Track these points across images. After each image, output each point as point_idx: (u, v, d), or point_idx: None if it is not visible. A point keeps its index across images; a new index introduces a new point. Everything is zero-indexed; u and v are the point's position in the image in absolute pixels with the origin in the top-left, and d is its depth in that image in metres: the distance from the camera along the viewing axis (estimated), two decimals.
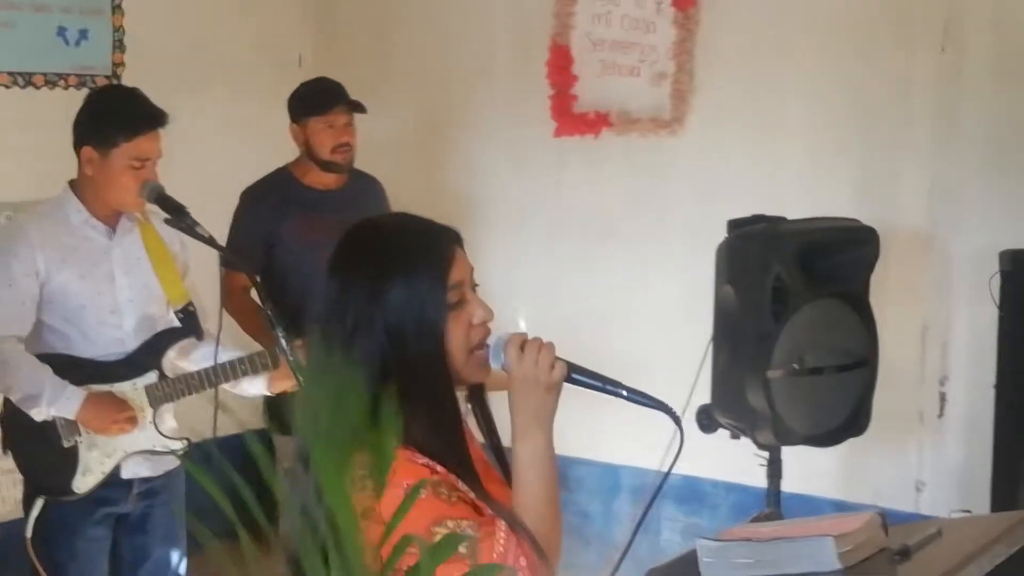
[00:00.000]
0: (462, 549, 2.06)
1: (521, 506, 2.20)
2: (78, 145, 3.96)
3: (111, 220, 4.04)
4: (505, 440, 2.37)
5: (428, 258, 2.25)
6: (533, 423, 2.22)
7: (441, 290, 2.22)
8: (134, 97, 4.05)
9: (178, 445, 4.11)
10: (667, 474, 2.32)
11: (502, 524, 2.14)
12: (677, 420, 2.26)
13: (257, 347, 4.28)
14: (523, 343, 2.24)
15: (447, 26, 6.42)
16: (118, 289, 4.02)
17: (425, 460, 2.19)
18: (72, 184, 4.03)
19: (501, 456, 2.39)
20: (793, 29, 5.47)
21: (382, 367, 2.16)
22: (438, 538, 2.08)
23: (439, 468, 2.19)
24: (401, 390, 2.12)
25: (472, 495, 2.20)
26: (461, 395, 2.34)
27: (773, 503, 4.62)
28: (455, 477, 2.21)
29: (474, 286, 2.30)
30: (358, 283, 2.25)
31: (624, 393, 2.26)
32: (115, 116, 3.94)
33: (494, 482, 2.34)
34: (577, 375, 2.25)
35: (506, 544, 2.13)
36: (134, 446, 4.02)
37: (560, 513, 2.24)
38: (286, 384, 4.04)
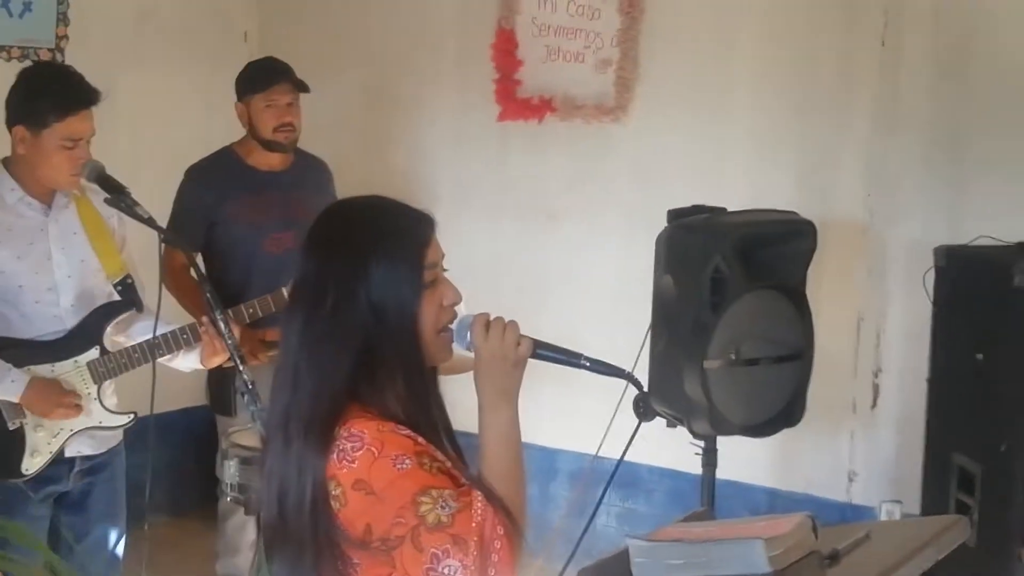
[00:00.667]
0: (444, 519, 2.17)
1: (492, 476, 2.28)
2: (10, 124, 3.92)
3: (46, 197, 4.00)
4: (459, 423, 2.45)
5: (408, 238, 2.33)
6: (500, 397, 2.32)
7: (419, 268, 2.31)
8: (66, 76, 3.99)
9: (124, 420, 4.11)
10: (625, 450, 2.47)
11: (478, 494, 2.21)
12: (638, 384, 2.42)
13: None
14: (487, 322, 2.33)
15: (394, 6, 6.40)
16: (55, 266, 3.99)
17: (408, 431, 2.27)
18: (5, 162, 3.99)
19: (451, 436, 2.46)
20: (737, 19, 5.50)
21: (364, 341, 2.27)
22: (423, 507, 2.18)
23: (420, 439, 2.28)
24: (383, 362, 2.27)
25: (449, 465, 2.28)
26: None
27: (708, 491, 4.67)
28: (433, 447, 2.29)
29: (444, 270, 2.39)
30: (340, 260, 2.31)
31: (587, 364, 2.38)
32: (46, 95, 3.88)
33: (451, 460, 2.39)
34: (542, 350, 2.36)
35: (483, 513, 2.19)
36: (79, 424, 4.00)
37: (525, 481, 2.35)
38: (219, 359, 4.03)
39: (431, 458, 2.26)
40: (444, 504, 2.18)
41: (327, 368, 2.28)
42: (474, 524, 2.18)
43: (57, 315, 3.99)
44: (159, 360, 4.03)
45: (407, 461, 2.21)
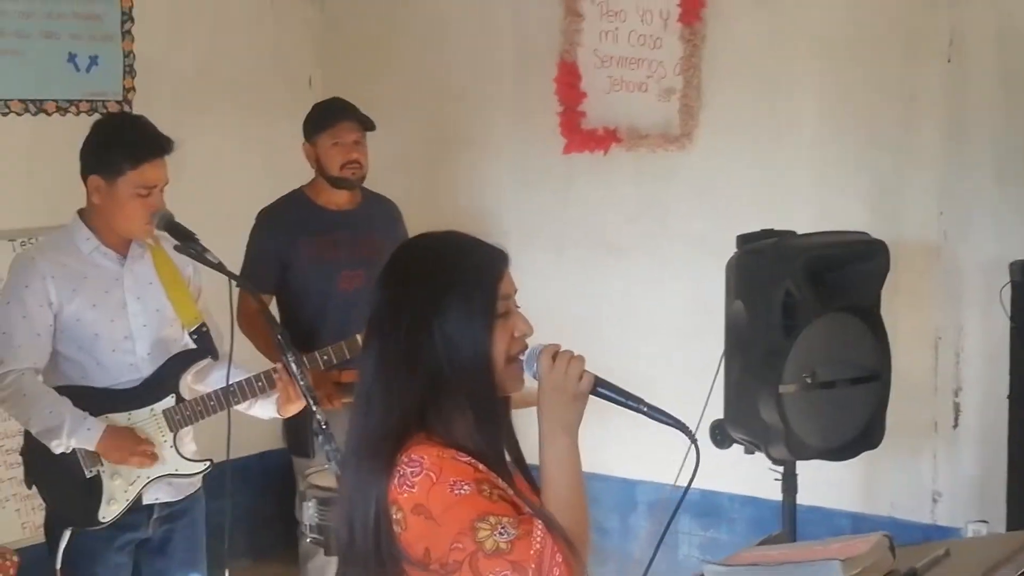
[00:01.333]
0: (502, 545, 2.19)
1: (552, 505, 2.30)
2: (85, 174, 3.97)
3: (121, 247, 4.04)
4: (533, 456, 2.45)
5: (484, 269, 2.38)
6: (559, 428, 2.34)
7: (493, 300, 2.36)
8: (139, 125, 4.06)
9: (200, 467, 4.13)
10: (684, 493, 2.43)
11: (539, 523, 2.24)
12: (694, 439, 2.37)
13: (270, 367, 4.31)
14: (555, 354, 2.36)
15: (455, 44, 6.43)
16: (131, 315, 4.02)
17: (468, 459, 2.30)
18: (81, 213, 4.05)
19: (524, 467, 2.50)
20: (799, 43, 5.46)
21: (436, 370, 2.32)
22: (481, 533, 2.21)
23: (481, 467, 2.31)
24: (452, 391, 2.30)
25: (511, 493, 2.31)
26: None
27: (788, 517, 4.62)
28: (495, 476, 2.32)
29: (516, 305, 2.43)
30: (415, 292, 2.36)
31: (645, 409, 2.36)
32: (120, 145, 3.94)
33: (524, 490, 2.43)
34: (603, 388, 2.36)
35: (543, 541, 2.21)
36: (157, 472, 4.03)
37: (587, 511, 2.34)
38: (295, 407, 4.05)
39: (491, 485, 2.28)
40: (503, 531, 2.21)
41: (396, 396, 2.33)
42: (533, 552, 2.20)
43: (133, 363, 4.02)
44: (236, 408, 4.05)
45: (466, 487, 2.25)
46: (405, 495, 2.26)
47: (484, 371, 2.34)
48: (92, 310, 3.97)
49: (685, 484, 2.44)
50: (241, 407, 4.07)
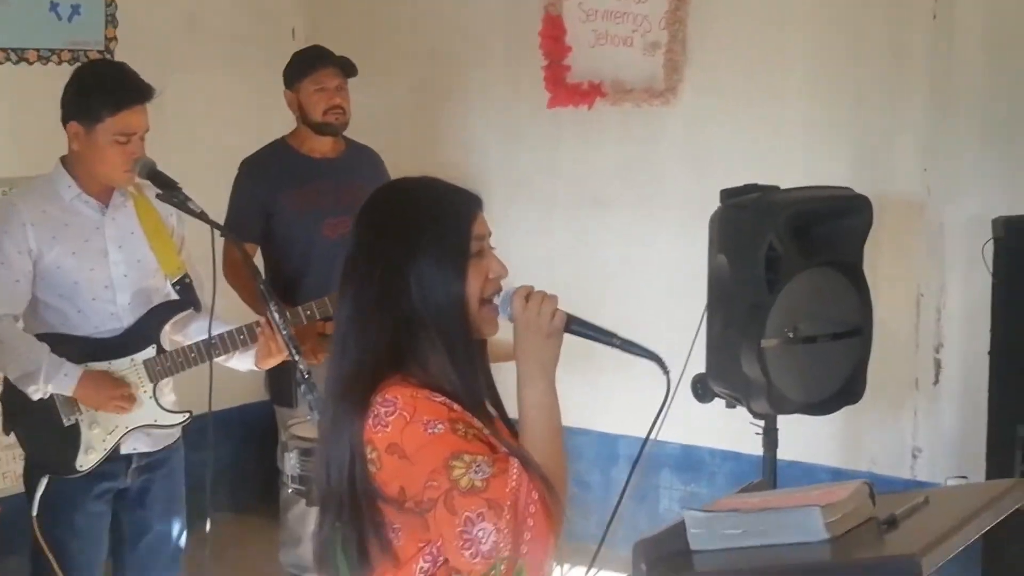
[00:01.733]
0: (478, 483, 2.21)
1: (529, 445, 2.33)
2: (65, 120, 3.95)
3: (103, 195, 4.02)
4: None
5: (455, 210, 2.41)
6: (536, 368, 2.36)
7: (466, 240, 2.37)
8: (119, 71, 4.04)
9: (180, 418, 4.12)
10: (655, 422, 2.42)
11: (515, 461, 2.25)
12: (666, 370, 2.38)
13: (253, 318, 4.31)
14: (528, 294, 2.38)
15: None
16: (112, 264, 4.01)
17: (443, 399, 2.32)
18: (63, 160, 4.02)
19: (503, 412, 2.52)
20: None
21: (410, 311, 2.34)
22: (455, 471, 2.22)
23: (455, 407, 2.32)
24: (426, 332, 2.32)
25: (487, 433, 2.33)
26: None
27: (769, 472, 4.64)
28: (471, 416, 2.33)
29: (491, 248, 2.44)
30: (387, 235, 2.39)
31: (618, 343, 2.38)
32: (99, 91, 3.91)
33: (503, 431, 2.45)
34: (575, 325, 2.38)
35: (519, 479, 2.23)
36: (135, 421, 4.02)
37: (564, 451, 2.36)
38: (274, 361, 4.04)
39: (466, 425, 2.30)
40: (478, 469, 2.23)
41: (371, 338, 2.35)
42: (508, 489, 2.22)
43: (114, 313, 4.01)
44: (215, 359, 4.05)
45: (439, 426, 2.27)
46: (379, 434, 2.28)
47: (458, 312, 2.36)
48: (72, 257, 3.95)
49: (660, 428, 2.45)
50: (219, 359, 4.06)
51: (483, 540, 2.20)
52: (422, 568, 2.31)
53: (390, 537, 2.32)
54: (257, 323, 4.01)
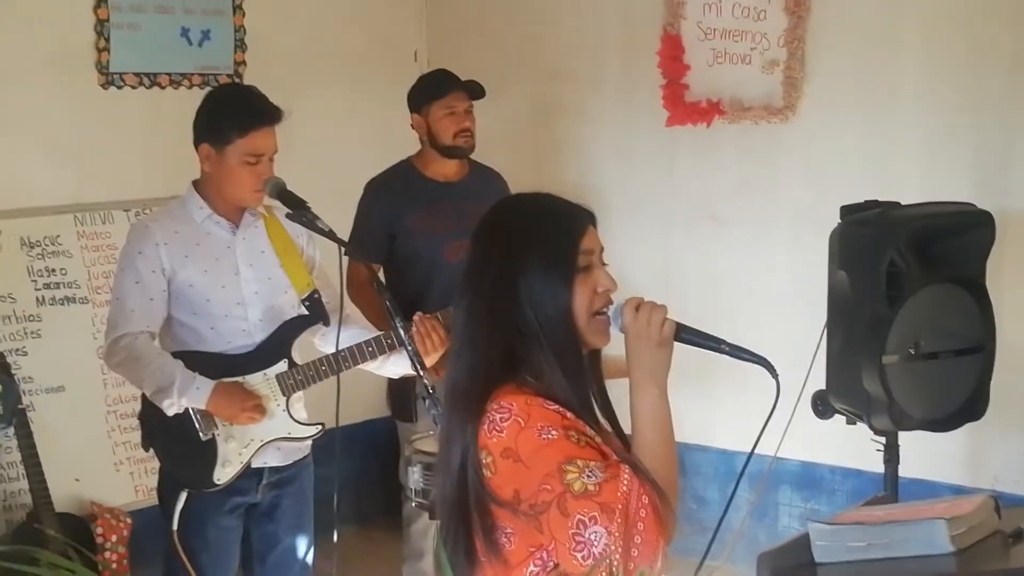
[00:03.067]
0: (590, 487, 2.24)
1: (640, 452, 2.36)
2: (197, 143, 4.04)
3: (234, 216, 4.10)
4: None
5: (565, 224, 2.46)
6: (648, 377, 2.39)
7: (573, 253, 2.42)
8: (249, 94, 4.12)
9: (313, 430, 4.18)
10: (764, 426, 2.44)
11: (626, 468, 2.28)
12: (773, 372, 2.39)
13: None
14: (638, 304, 2.41)
15: (558, 18, 6.44)
16: (243, 282, 4.09)
17: (556, 407, 2.36)
18: (195, 183, 4.12)
19: (615, 424, 2.56)
20: (904, 13, 5.40)
21: (519, 323, 2.39)
22: (569, 475, 2.26)
23: (568, 415, 2.37)
24: (536, 341, 2.37)
25: (599, 441, 2.37)
26: None
27: (891, 488, 4.60)
28: (583, 423, 2.38)
29: (603, 264, 2.48)
30: (500, 246, 2.45)
31: (726, 348, 2.40)
32: (229, 113, 4.00)
33: (614, 443, 2.49)
34: (685, 333, 2.41)
35: (630, 484, 2.26)
36: (270, 434, 4.09)
37: (676, 459, 2.39)
38: (433, 359, 4.05)
39: (579, 432, 2.35)
40: (591, 473, 2.27)
41: (484, 347, 2.41)
42: (620, 494, 2.25)
43: (246, 329, 4.08)
44: (367, 367, 4.11)
45: (553, 432, 2.32)
46: (494, 440, 2.34)
47: (566, 323, 2.40)
48: (204, 276, 4.04)
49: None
50: (371, 366, 4.12)
51: (595, 543, 2.23)
52: (532, 572, 2.35)
53: (501, 541, 2.36)
54: (387, 334, 4.05)
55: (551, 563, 2.33)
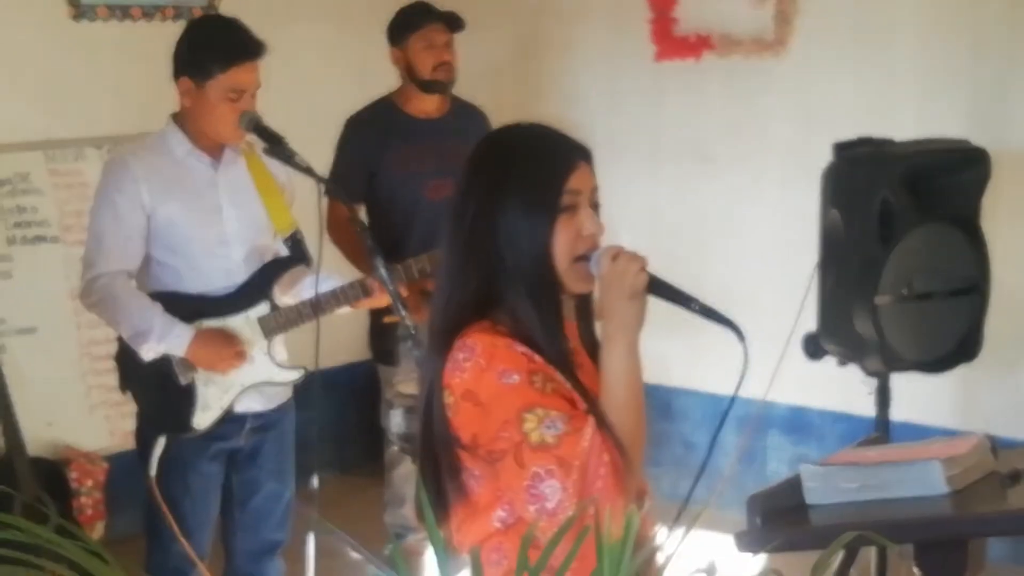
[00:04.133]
0: (549, 439, 2.20)
1: (606, 406, 2.29)
2: (176, 76, 3.94)
3: (215, 151, 4.01)
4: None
5: (552, 161, 2.36)
6: (618, 329, 2.32)
7: (557, 192, 2.33)
8: (231, 27, 4.00)
9: (294, 375, 4.11)
10: (733, 397, 2.38)
11: (591, 422, 2.22)
12: (741, 336, 2.31)
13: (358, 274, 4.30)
14: (616, 254, 2.33)
15: None
16: (225, 220, 4.01)
17: (524, 349, 2.31)
18: (174, 116, 4.02)
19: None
20: None
21: (496, 256, 2.33)
22: (527, 424, 2.21)
23: (537, 358, 2.31)
24: (510, 280, 2.31)
25: (568, 387, 2.31)
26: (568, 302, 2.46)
27: (881, 432, 4.56)
28: (553, 369, 2.32)
29: (595, 205, 2.40)
30: (483, 179, 2.39)
31: (696, 308, 2.33)
32: (211, 47, 3.90)
33: (595, 386, 2.41)
34: (656, 287, 2.33)
35: (592, 439, 2.20)
36: (251, 379, 4.02)
37: (643, 415, 2.31)
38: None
39: (546, 378, 2.29)
40: (551, 424, 2.22)
41: (457, 281, 2.37)
42: (580, 449, 2.20)
43: (228, 269, 4.01)
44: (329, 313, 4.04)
45: (515, 376, 2.26)
46: (456, 380, 2.29)
47: (543, 264, 2.33)
48: (185, 213, 3.95)
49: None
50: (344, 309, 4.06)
51: (548, 497, 2.19)
52: (499, 517, 2.31)
53: (469, 484, 2.31)
54: (364, 279, 4.01)
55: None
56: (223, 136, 3.97)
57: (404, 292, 3.96)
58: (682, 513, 2.28)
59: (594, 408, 2.28)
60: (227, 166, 4.03)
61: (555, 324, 2.35)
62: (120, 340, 4.02)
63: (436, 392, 2.31)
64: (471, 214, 2.35)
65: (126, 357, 4.00)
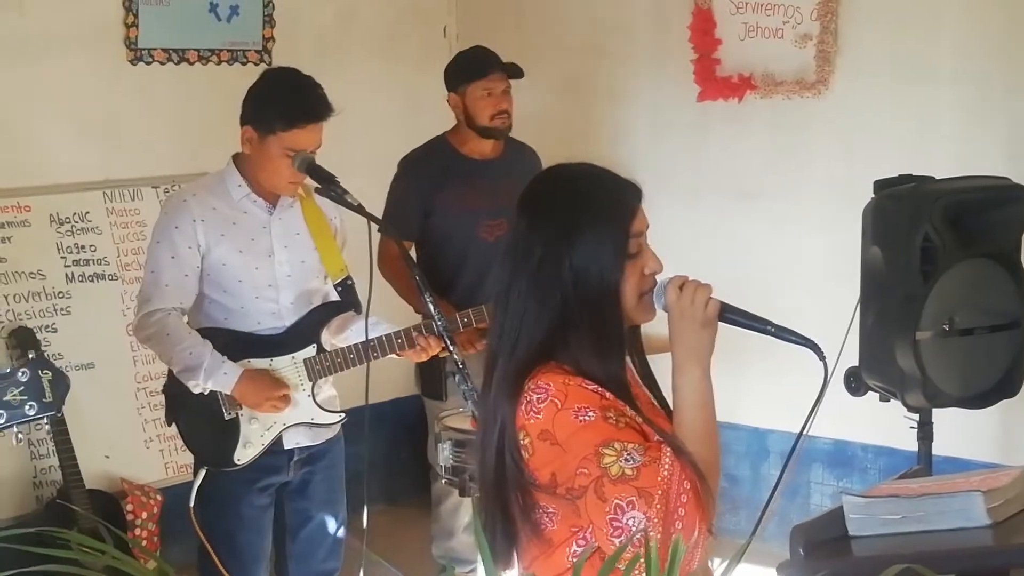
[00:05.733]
0: (628, 471, 2.21)
1: (682, 435, 2.31)
2: (242, 122, 3.99)
3: (271, 196, 4.07)
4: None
5: (616, 207, 2.40)
6: (691, 357, 2.34)
7: (624, 238, 2.37)
8: (303, 87, 4.00)
9: (335, 418, 4.18)
10: (812, 411, 2.36)
11: (667, 450, 2.24)
12: (821, 354, 2.34)
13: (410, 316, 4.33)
14: (682, 284, 2.37)
15: None
16: (276, 264, 4.06)
17: (595, 387, 2.33)
18: (235, 158, 4.08)
19: (660, 398, 2.55)
20: None
21: (563, 300, 2.34)
22: (606, 459, 2.22)
23: (608, 395, 2.33)
24: (578, 323, 2.33)
25: (639, 421, 2.33)
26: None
27: (925, 466, 4.57)
28: (623, 404, 2.34)
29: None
30: (549, 222, 2.38)
31: (772, 329, 2.36)
32: (277, 103, 3.94)
33: (659, 417, 2.47)
34: (729, 312, 2.37)
35: (671, 468, 2.23)
36: (293, 419, 4.09)
37: (718, 441, 2.35)
38: (424, 358, 4.08)
39: (618, 413, 2.30)
40: (628, 457, 2.23)
41: (525, 324, 2.37)
42: (660, 478, 2.21)
43: (275, 312, 4.07)
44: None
45: (590, 413, 2.28)
46: (532, 421, 2.30)
47: (612, 307, 2.36)
48: (238, 255, 4.01)
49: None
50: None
51: (633, 528, 2.19)
52: (574, 552, 2.32)
53: (543, 521, 2.33)
54: (417, 328, 4.01)
55: (594, 543, 2.29)
56: (278, 189, 4.03)
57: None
58: (746, 549, 2.32)
59: (668, 438, 2.30)
60: (282, 210, 4.09)
61: (621, 361, 2.40)
62: (169, 372, 4.08)
63: (509, 435, 2.33)
64: (537, 255, 2.36)
65: (174, 389, 4.07)
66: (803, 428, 2.41)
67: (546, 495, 2.31)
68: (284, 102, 3.94)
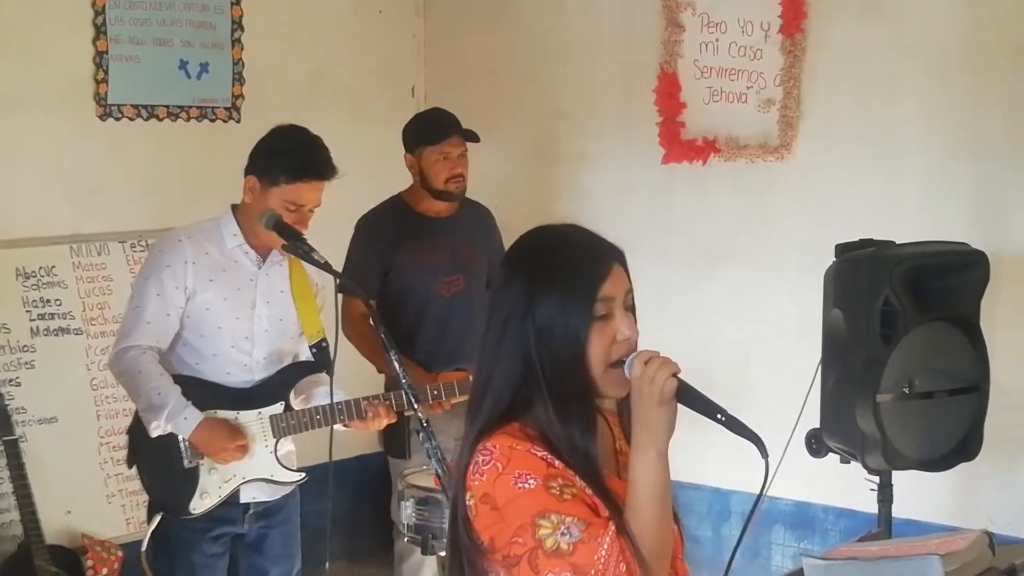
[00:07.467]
0: (564, 546, 2.16)
1: (629, 514, 2.24)
2: (247, 172, 4.07)
3: (263, 250, 4.13)
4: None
5: (584, 267, 2.32)
6: (647, 436, 2.25)
7: (590, 300, 2.29)
8: (313, 146, 4.10)
9: (295, 477, 4.21)
10: (754, 507, 2.35)
11: (611, 528, 2.19)
12: (765, 454, 2.28)
13: (375, 378, 4.33)
14: (649, 359, 2.28)
15: (556, 56, 6.48)
16: (256, 317, 4.12)
17: (544, 453, 2.27)
18: (234, 207, 4.14)
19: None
20: (900, 53, 5.43)
21: (526, 360, 2.29)
22: (541, 531, 2.18)
23: (557, 463, 2.27)
24: (540, 384, 2.27)
25: (589, 493, 2.26)
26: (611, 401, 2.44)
27: (885, 528, 4.59)
28: (574, 474, 2.27)
29: (630, 306, 2.37)
30: (519, 279, 2.34)
31: (723, 419, 2.27)
32: (286, 156, 4.02)
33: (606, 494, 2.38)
34: (685, 395, 2.26)
35: (609, 549, 2.17)
36: (252, 473, 4.11)
37: (669, 527, 2.27)
38: (377, 426, 4.16)
39: (565, 483, 2.24)
40: (566, 531, 2.18)
41: (492, 383, 2.34)
42: (596, 558, 2.16)
43: (247, 364, 4.12)
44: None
45: (531, 481, 2.23)
46: (476, 482, 2.27)
47: (576, 372, 2.29)
48: (223, 302, 4.06)
49: (767, 494, 2.35)
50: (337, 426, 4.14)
51: None
52: None
53: None
54: (375, 397, 4.11)
55: None
56: (269, 242, 4.09)
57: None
58: None
59: (617, 516, 2.22)
60: (271, 266, 4.15)
61: (585, 430, 2.29)
62: (135, 414, 4.10)
63: (460, 494, 2.30)
64: (506, 314, 2.32)
65: (139, 432, 4.07)
66: (749, 517, 2.39)
67: (490, 560, 2.28)
68: (292, 155, 4.03)
